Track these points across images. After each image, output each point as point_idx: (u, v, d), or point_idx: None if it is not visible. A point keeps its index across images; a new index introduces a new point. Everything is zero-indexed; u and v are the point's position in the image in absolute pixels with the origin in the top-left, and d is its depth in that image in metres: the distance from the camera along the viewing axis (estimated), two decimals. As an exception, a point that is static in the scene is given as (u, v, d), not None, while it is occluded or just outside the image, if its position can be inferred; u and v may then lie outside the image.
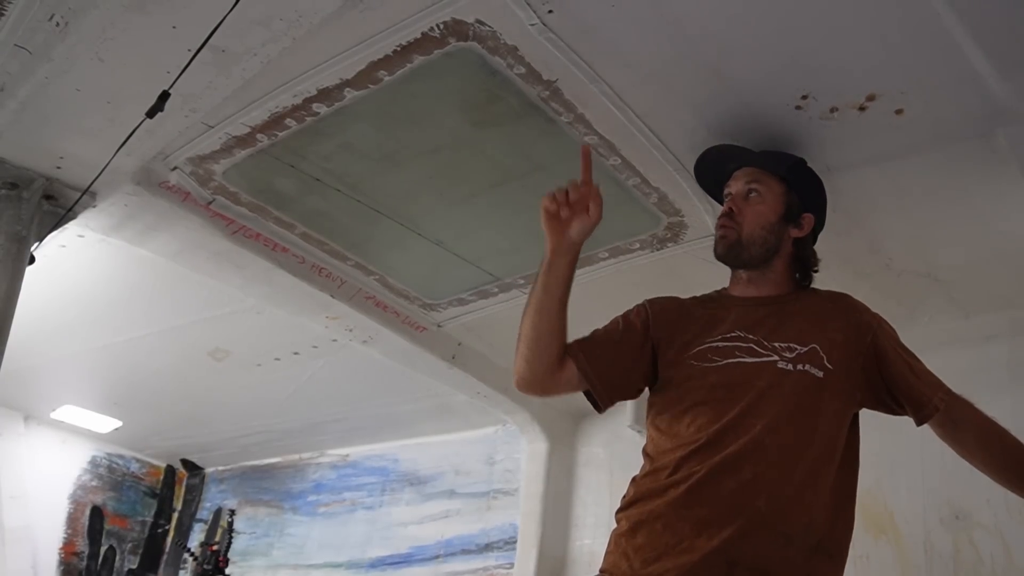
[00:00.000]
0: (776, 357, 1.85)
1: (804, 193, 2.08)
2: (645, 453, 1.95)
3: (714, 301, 2.07)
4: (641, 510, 1.82)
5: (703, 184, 2.26)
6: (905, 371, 1.91)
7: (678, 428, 1.86)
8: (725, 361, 1.88)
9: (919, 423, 1.92)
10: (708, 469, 1.76)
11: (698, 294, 2.13)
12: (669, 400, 1.93)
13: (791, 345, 1.87)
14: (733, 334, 1.92)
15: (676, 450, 1.83)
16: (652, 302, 2.09)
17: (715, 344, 1.92)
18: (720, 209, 2.10)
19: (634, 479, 1.92)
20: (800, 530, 1.72)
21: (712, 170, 2.19)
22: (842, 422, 1.86)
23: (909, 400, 1.91)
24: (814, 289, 2.07)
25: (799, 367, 1.83)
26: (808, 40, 2.00)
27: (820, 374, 1.83)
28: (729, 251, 2.01)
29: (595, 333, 2.05)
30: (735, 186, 2.07)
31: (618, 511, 1.90)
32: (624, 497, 1.91)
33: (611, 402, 2.02)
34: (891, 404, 1.93)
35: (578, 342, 2.01)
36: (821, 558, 1.75)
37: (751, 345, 1.89)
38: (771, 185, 2.04)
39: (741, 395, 1.82)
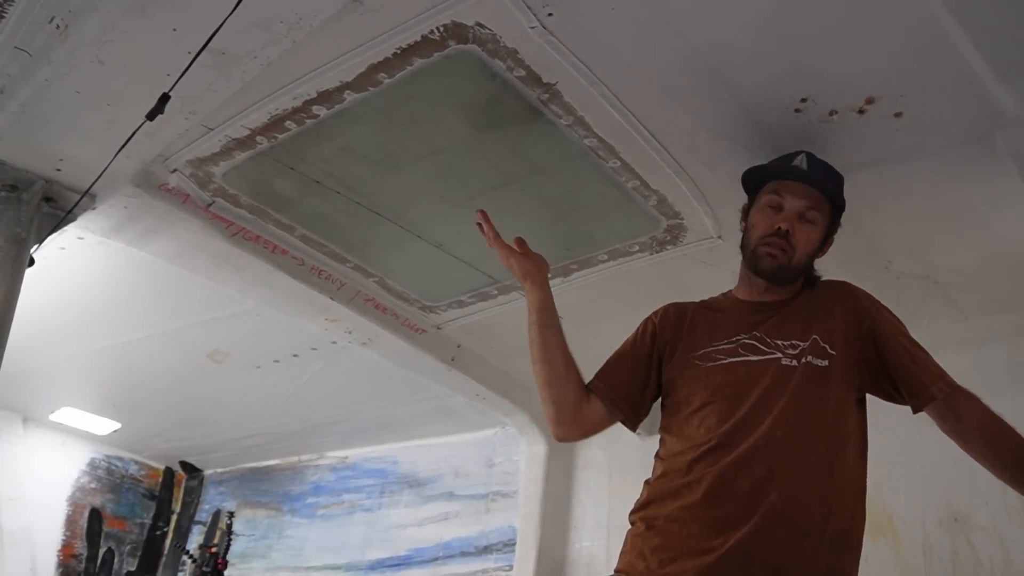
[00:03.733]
0: (780, 354, 1.87)
1: (840, 218, 2.07)
2: (657, 456, 1.96)
3: (721, 304, 2.08)
4: (656, 512, 1.84)
5: (747, 181, 2.14)
6: (903, 356, 1.91)
7: (687, 430, 1.88)
8: (729, 360, 1.90)
9: (915, 410, 1.90)
10: (722, 470, 1.77)
11: (705, 297, 2.14)
12: (677, 402, 1.95)
13: (794, 342, 1.88)
14: (737, 335, 1.94)
15: (687, 452, 1.84)
16: (658, 312, 2.11)
17: (720, 345, 1.94)
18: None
19: (647, 482, 1.94)
20: (819, 522, 1.72)
21: (760, 177, 2.10)
22: (848, 410, 1.87)
23: (906, 385, 1.89)
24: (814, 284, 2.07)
25: (803, 360, 1.85)
26: (807, 43, 2.00)
27: (824, 363, 1.84)
28: (778, 273, 1.97)
29: (609, 360, 2.10)
30: (792, 203, 1.98)
31: (632, 512, 1.91)
32: (638, 499, 1.92)
33: (639, 419, 2.07)
34: (889, 390, 1.93)
35: (597, 374, 2.08)
36: (843, 550, 1.75)
37: (755, 343, 1.90)
38: (825, 214, 2.01)
39: (748, 393, 1.83)
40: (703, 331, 2.00)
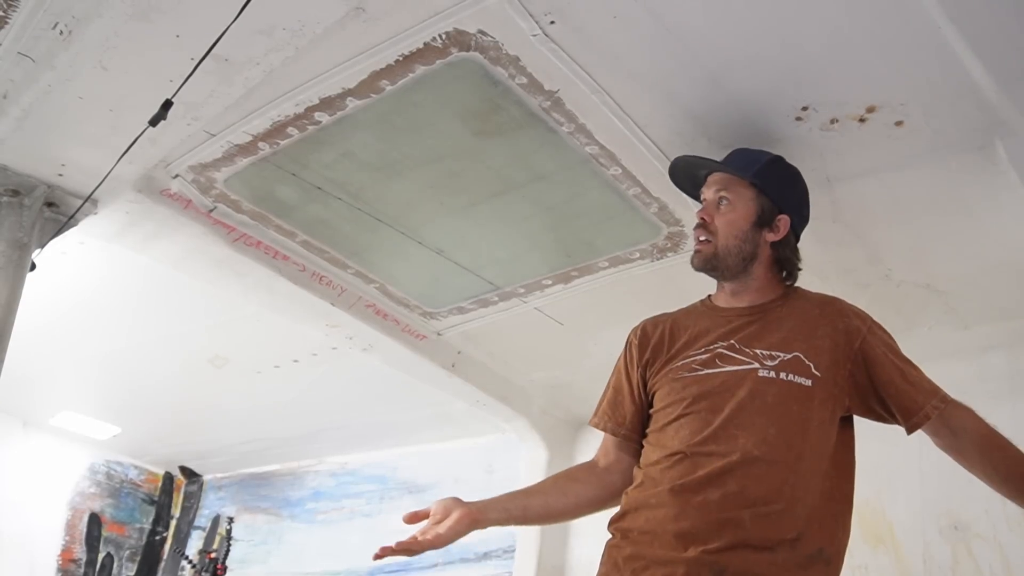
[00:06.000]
0: (757, 365, 1.83)
1: (777, 194, 2.01)
2: (636, 466, 1.96)
3: (699, 312, 2.06)
4: (630, 523, 1.83)
5: (683, 190, 2.22)
6: (896, 376, 1.87)
7: (663, 440, 1.87)
8: (706, 371, 1.88)
9: (909, 431, 1.88)
10: (694, 482, 1.75)
11: (686, 305, 2.13)
12: (656, 412, 1.95)
13: (773, 353, 1.84)
14: (714, 344, 1.91)
15: (661, 461, 1.84)
16: (636, 330, 2.10)
17: (698, 356, 1.91)
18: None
19: (625, 492, 1.92)
20: (786, 544, 1.69)
21: (687, 176, 2.16)
22: (831, 430, 1.83)
23: (899, 406, 1.86)
24: (804, 292, 2.03)
25: (783, 376, 1.81)
26: (809, 52, 2.01)
27: (808, 383, 1.81)
28: (706, 264, 2.00)
29: (608, 396, 2.10)
30: (707, 193, 2.05)
31: (610, 523, 1.90)
32: (617, 510, 1.92)
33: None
34: (880, 411, 1.89)
35: (602, 416, 2.08)
36: (819, 567, 1.73)
37: (731, 353, 1.88)
38: (740, 192, 1.99)
39: (721, 405, 1.81)
40: (680, 341, 1.98)
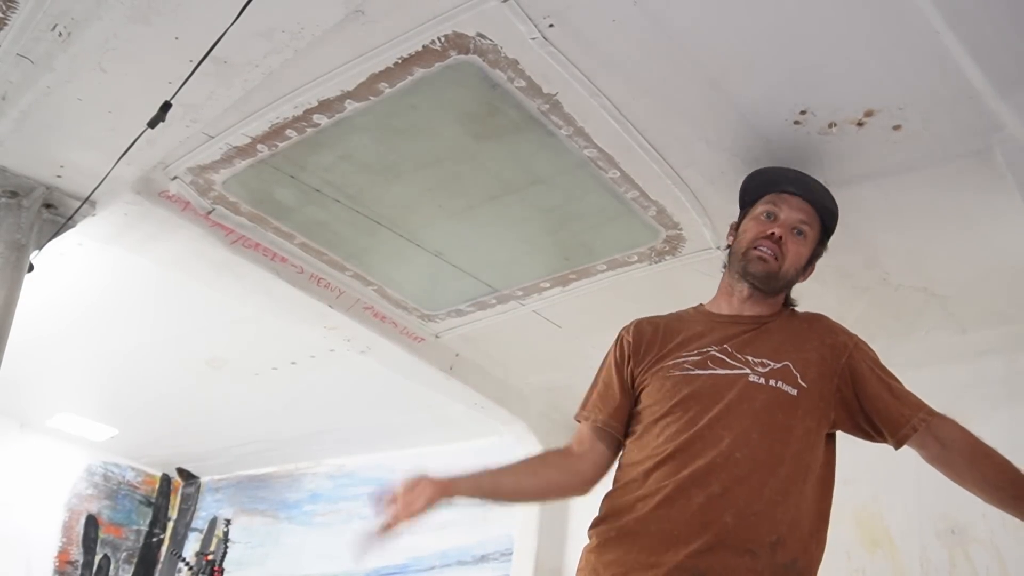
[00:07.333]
0: (748, 370, 1.86)
1: (827, 241, 2.08)
2: (618, 465, 1.96)
3: (692, 317, 2.06)
4: (611, 526, 1.83)
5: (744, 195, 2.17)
6: (882, 392, 1.89)
7: (648, 438, 1.87)
8: (697, 372, 1.89)
9: (897, 445, 1.89)
10: (677, 484, 1.75)
11: (679, 310, 2.12)
12: (642, 411, 1.94)
13: (764, 360, 1.87)
14: (707, 347, 1.92)
15: (644, 461, 1.84)
16: (628, 328, 2.09)
17: (690, 356, 1.92)
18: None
19: (607, 494, 1.92)
20: (766, 548, 1.70)
21: (758, 184, 2.13)
22: (815, 442, 1.84)
23: (885, 421, 1.88)
24: (793, 311, 2.07)
25: (771, 383, 1.83)
26: (807, 56, 2.01)
27: (794, 392, 1.83)
28: (767, 277, 1.97)
29: (599, 391, 2.06)
30: (787, 213, 2.01)
31: (590, 527, 1.90)
32: (597, 515, 1.91)
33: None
34: (867, 428, 1.91)
35: (591, 408, 2.04)
36: None
37: (724, 357, 1.89)
38: (816, 229, 2.04)
39: (710, 405, 1.82)
40: (673, 342, 1.98)
